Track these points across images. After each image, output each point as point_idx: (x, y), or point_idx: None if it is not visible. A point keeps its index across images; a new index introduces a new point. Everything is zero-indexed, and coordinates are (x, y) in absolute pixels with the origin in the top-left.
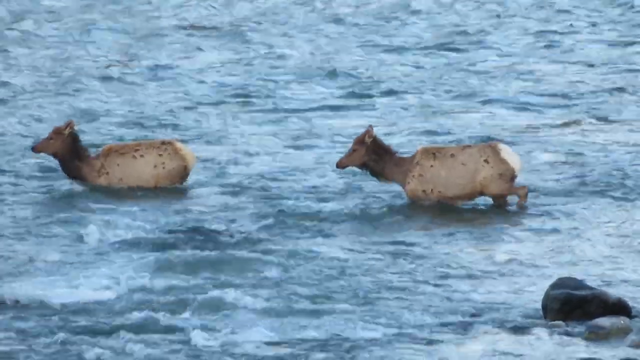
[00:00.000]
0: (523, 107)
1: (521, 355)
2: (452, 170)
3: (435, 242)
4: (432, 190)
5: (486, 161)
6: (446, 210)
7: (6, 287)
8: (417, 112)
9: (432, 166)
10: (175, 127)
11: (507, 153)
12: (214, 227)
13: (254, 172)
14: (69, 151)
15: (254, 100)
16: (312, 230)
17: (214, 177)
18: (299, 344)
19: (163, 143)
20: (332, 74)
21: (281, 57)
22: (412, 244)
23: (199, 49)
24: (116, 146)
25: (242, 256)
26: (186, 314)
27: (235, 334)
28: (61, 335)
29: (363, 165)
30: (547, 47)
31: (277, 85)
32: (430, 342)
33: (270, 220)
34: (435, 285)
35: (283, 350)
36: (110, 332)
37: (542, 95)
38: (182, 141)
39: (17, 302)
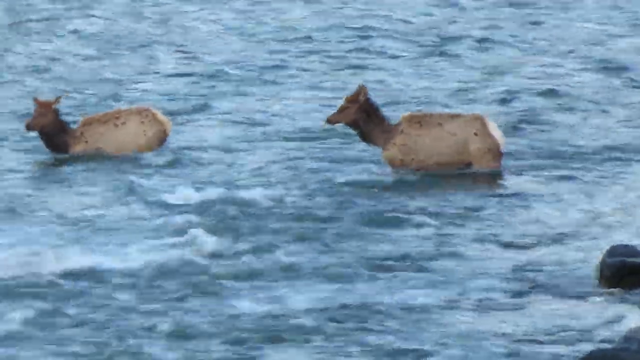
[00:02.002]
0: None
1: (576, 322)
2: (438, 140)
3: (483, 207)
4: (412, 159)
5: (475, 134)
6: (487, 176)
7: (58, 253)
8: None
9: (418, 135)
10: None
11: (494, 128)
12: (261, 191)
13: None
14: (57, 124)
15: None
16: (364, 195)
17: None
18: (354, 310)
19: (142, 109)
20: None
21: None
22: (463, 209)
23: None
24: (95, 116)
25: (294, 222)
26: (236, 280)
27: (290, 299)
28: (114, 301)
29: (352, 124)
30: None
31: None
32: (484, 309)
33: (321, 186)
34: (488, 251)
35: (337, 316)
36: (158, 298)
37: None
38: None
39: (69, 268)
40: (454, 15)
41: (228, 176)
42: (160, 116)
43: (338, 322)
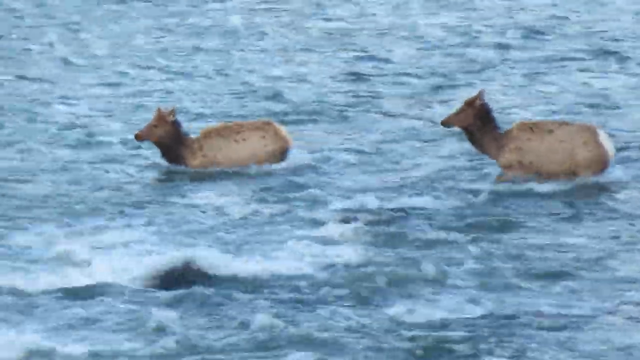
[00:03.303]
0: None
1: None
2: (549, 146)
3: (631, 215)
4: (530, 162)
5: (584, 143)
6: (628, 183)
7: (200, 260)
8: None
9: (529, 139)
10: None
11: (604, 138)
12: (410, 197)
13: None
14: (172, 137)
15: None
16: (505, 207)
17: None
18: (504, 319)
19: (264, 124)
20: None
21: None
22: (608, 217)
23: None
24: (215, 128)
25: (441, 229)
26: (383, 288)
27: (442, 311)
28: (262, 308)
29: (466, 128)
30: None
31: None
32: (637, 319)
33: (465, 191)
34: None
35: (487, 326)
36: (309, 304)
37: None
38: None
39: (212, 274)
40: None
41: (375, 182)
42: (282, 132)
43: (489, 331)
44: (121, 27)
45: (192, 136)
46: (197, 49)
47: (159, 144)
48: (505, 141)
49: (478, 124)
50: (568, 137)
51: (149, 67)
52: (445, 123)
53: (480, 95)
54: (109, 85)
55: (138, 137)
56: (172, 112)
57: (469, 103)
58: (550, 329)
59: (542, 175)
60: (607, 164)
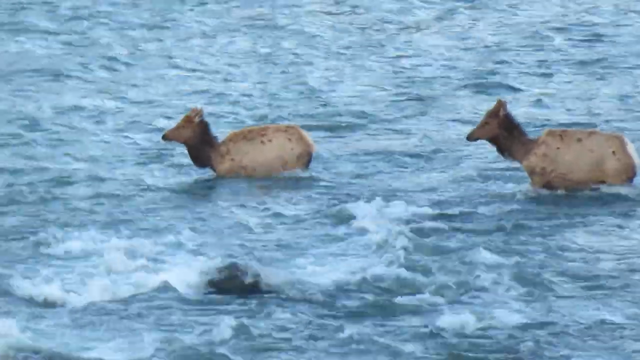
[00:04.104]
0: None
1: None
2: (578, 155)
3: None
4: (552, 170)
5: (613, 152)
6: None
7: (245, 265)
8: None
9: (558, 148)
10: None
11: (631, 147)
12: (458, 213)
13: None
14: (199, 139)
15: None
16: (544, 212)
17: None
18: (544, 327)
19: (288, 127)
20: None
21: None
22: None
23: None
24: (241, 132)
25: (482, 239)
26: (422, 294)
27: (486, 317)
28: (319, 316)
29: (493, 140)
30: None
31: None
32: None
33: (506, 200)
34: None
35: (526, 333)
36: (348, 311)
37: None
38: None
39: (270, 286)
40: None
41: (414, 186)
42: (306, 136)
43: (529, 338)
44: (171, 30)
45: (219, 140)
46: (246, 51)
47: (186, 145)
48: (533, 146)
49: (504, 133)
50: (597, 146)
51: (194, 69)
52: (471, 137)
53: (502, 105)
54: (152, 85)
55: (165, 138)
56: (199, 112)
57: (492, 114)
58: (592, 335)
59: (570, 184)
60: (634, 173)
